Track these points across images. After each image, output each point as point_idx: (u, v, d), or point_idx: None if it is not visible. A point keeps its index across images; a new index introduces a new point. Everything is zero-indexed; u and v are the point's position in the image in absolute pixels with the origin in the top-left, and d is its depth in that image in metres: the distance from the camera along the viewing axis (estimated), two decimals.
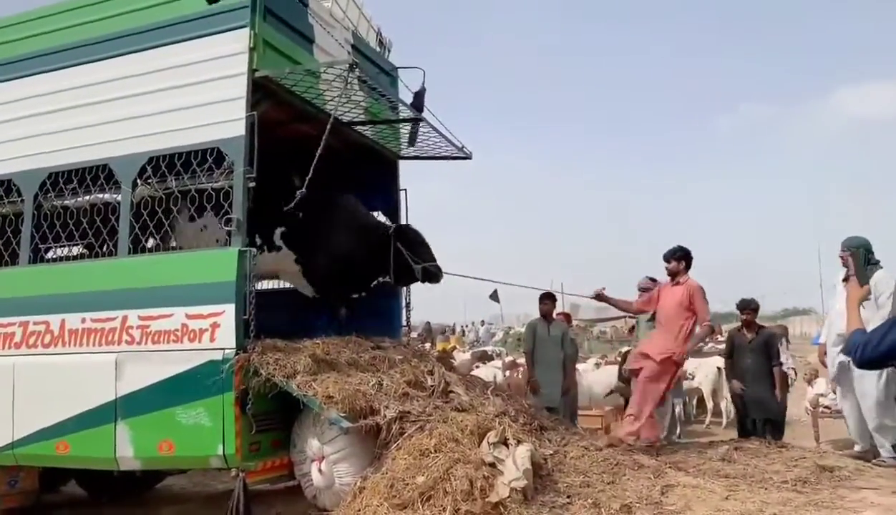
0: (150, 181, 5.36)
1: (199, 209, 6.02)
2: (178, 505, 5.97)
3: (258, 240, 6.03)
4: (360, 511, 4.16)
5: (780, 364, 6.82)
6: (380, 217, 7.09)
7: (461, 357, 14.26)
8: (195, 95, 5.24)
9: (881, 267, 5.51)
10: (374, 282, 6.54)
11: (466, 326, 31.30)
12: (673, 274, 5.81)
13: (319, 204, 6.00)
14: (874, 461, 5.28)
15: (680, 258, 5.79)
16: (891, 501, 4.00)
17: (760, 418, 6.56)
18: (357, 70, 5.16)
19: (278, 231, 6.16)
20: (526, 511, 3.99)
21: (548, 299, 7.57)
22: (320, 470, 4.84)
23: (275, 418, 5.08)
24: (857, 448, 5.67)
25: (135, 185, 5.38)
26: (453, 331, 29.53)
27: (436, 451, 4.30)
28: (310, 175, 5.19)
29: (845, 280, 5.50)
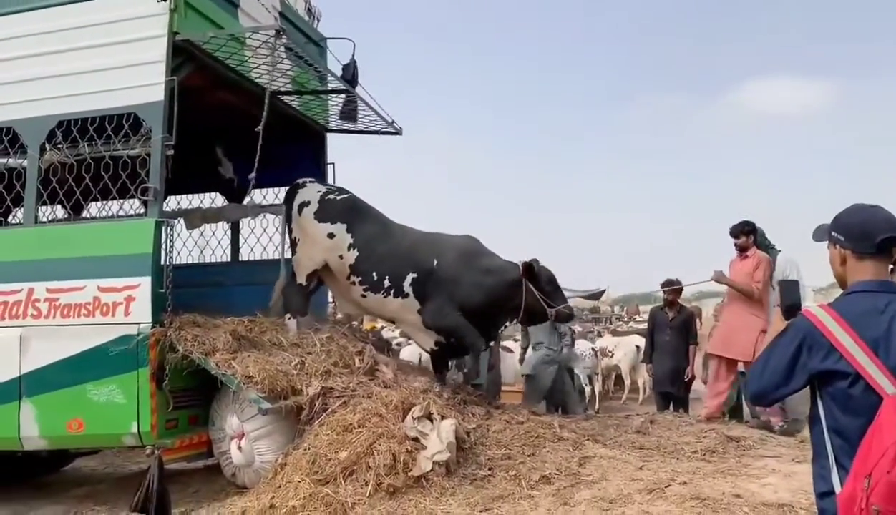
0: (59, 146, 5.07)
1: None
2: (88, 486, 5.71)
3: (386, 283, 5.48)
4: (280, 487, 4.09)
5: (697, 343, 7.17)
6: None
7: (388, 335, 14.22)
8: (111, 56, 5.02)
9: (780, 251, 5.84)
10: (503, 329, 5.98)
11: None
12: (742, 249, 5.97)
13: (451, 250, 5.55)
14: (777, 429, 5.58)
15: (749, 232, 5.95)
16: (790, 468, 4.25)
17: (673, 391, 6.88)
18: (284, 37, 5.02)
19: (410, 276, 5.47)
20: (448, 484, 4.04)
21: None
22: (240, 448, 4.75)
23: (193, 394, 4.98)
24: (762, 418, 5.98)
25: (43, 150, 5.09)
26: None
27: (359, 426, 4.28)
28: (257, 159, 5.03)
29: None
